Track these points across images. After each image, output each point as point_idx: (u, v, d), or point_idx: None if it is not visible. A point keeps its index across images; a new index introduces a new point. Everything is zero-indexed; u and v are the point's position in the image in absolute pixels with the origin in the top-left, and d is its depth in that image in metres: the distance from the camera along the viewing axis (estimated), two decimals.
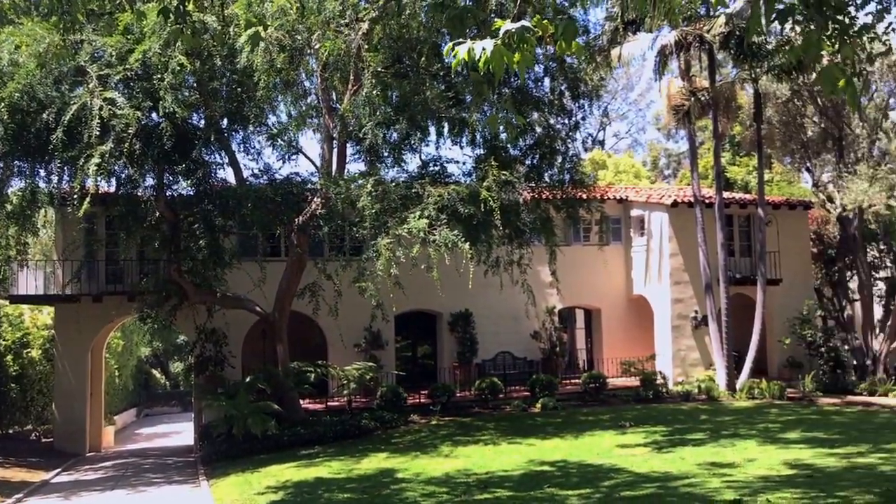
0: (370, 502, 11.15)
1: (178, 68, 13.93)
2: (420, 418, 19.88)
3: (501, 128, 17.00)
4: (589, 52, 20.00)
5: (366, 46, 15.77)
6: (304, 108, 20.34)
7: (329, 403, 20.98)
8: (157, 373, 39.88)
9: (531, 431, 17.37)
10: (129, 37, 14.17)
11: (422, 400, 21.06)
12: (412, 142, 17.40)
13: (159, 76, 14.14)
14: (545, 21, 5.28)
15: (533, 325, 23.83)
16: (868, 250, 26.16)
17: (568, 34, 5.18)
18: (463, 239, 15.61)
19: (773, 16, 4.99)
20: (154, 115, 14.85)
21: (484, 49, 4.81)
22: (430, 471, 13.36)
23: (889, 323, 24.59)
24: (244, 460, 16.32)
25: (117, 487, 15.10)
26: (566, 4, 18.12)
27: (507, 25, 4.89)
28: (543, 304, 23.62)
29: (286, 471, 14.46)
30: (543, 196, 19.96)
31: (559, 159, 19.65)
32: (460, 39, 4.94)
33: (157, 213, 16.34)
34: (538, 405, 20.74)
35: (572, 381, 23.92)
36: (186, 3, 7.09)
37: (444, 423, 19.17)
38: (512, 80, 19.70)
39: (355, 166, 20.34)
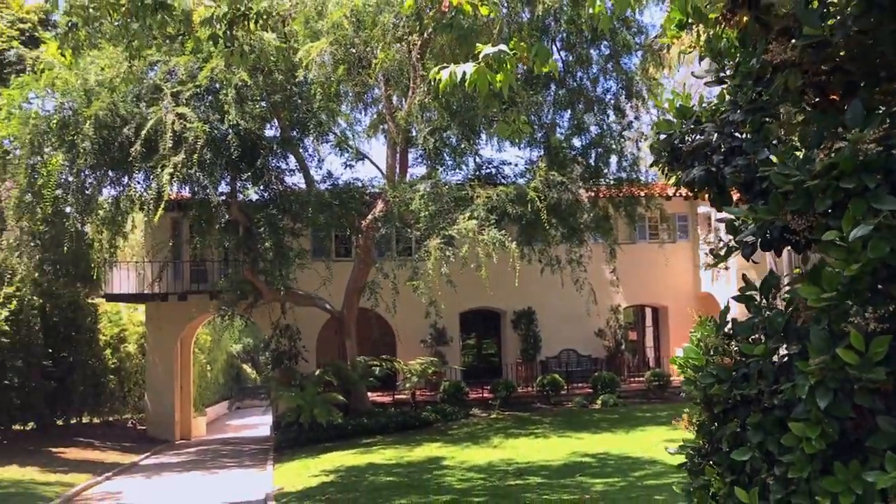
0: (409, 484, 11.93)
1: (241, 84, 15.15)
2: (481, 412, 20.53)
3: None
4: (645, 52, 20.19)
5: (417, 56, 16.56)
6: (374, 115, 21.50)
7: (396, 396, 21.89)
8: (247, 367, 42.07)
9: (585, 426, 17.75)
10: (198, 55, 15.47)
11: (484, 395, 21.72)
12: (464, 146, 18.06)
13: (224, 91, 15.41)
14: (522, 44, 5.88)
15: (598, 323, 24.06)
16: None
17: (541, 56, 5.78)
18: (510, 238, 16.21)
19: None
20: (223, 126, 16.07)
21: (465, 72, 5.44)
22: (475, 459, 14.02)
23: None
24: (310, 448, 17.41)
25: (194, 469, 16.50)
26: (611, 10, 18.43)
27: (486, 50, 5.51)
28: (608, 303, 23.88)
29: (344, 457, 15.44)
30: (601, 195, 20.25)
31: (615, 158, 19.90)
32: (443, 65, 5.58)
33: (230, 217, 17.58)
34: (598, 402, 21.04)
35: (638, 379, 24.03)
36: (235, 29, 8.05)
37: (503, 418, 19.76)
38: (569, 81, 20.22)
39: (419, 170, 21.20)
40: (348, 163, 19.53)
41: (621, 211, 20.42)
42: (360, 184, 19.22)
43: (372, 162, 21.16)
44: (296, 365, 21.40)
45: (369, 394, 20.99)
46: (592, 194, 19.86)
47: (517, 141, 15.53)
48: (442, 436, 17.46)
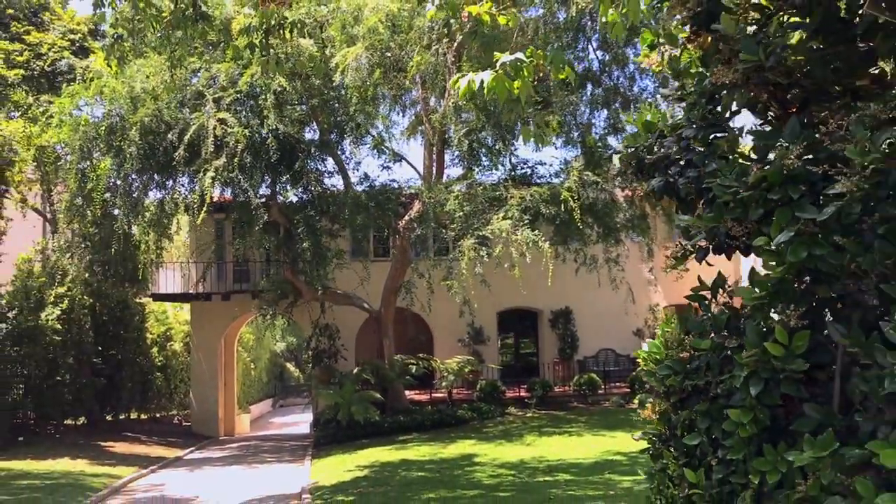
0: (439, 480, 12.18)
1: (280, 89, 15.61)
2: (517, 411, 20.69)
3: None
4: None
5: (452, 58, 16.79)
6: (412, 117, 21.83)
7: (434, 395, 22.16)
8: (290, 366, 42.81)
9: (620, 425, 17.75)
10: (238, 62, 15.96)
11: (521, 393, 21.87)
12: (500, 147, 18.24)
13: (264, 97, 15.89)
14: (538, 51, 6.07)
15: (636, 322, 24.01)
16: None
17: (556, 63, 5.95)
18: (545, 238, 16.35)
19: None
20: (262, 130, 16.54)
21: (482, 80, 5.66)
22: (507, 456, 14.20)
23: None
24: (347, 444, 17.77)
25: (235, 464, 17.01)
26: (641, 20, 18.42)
27: (503, 58, 5.72)
28: (646, 302, 23.81)
29: (379, 453, 15.76)
30: (638, 193, 20.19)
31: None
32: (462, 73, 5.81)
33: (270, 218, 18.05)
34: (636, 401, 20.94)
35: None
36: (271, 38, 8.42)
37: (539, 416, 19.89)
38: (605, 80, 20.29)
39: (456, 171, 21.44)
40: (386, 164, 19.93)
41: (659, 210, 20.33)
42: (396, 185, 19.56)
43: (409, 163, 21.55)
44: (335, 363, 21.83)
45: (406, 392, 21.29)
46: (629, 193, 19.84)
47: (542, 145, 15.66)
48: (477, 433, 17.67)
